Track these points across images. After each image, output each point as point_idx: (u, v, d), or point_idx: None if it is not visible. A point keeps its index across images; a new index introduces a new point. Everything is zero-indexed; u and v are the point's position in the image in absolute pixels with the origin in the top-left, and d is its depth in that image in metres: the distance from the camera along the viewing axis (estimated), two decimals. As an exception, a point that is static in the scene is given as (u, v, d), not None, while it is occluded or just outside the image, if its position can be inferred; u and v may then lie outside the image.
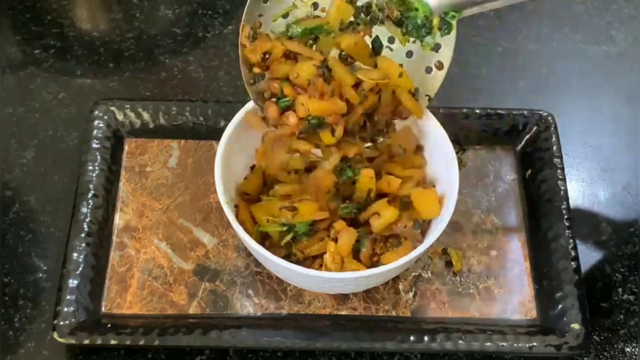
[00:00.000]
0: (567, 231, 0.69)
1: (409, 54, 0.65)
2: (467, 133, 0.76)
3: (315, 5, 0.64)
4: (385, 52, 0.64)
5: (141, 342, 0.63)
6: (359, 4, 0.63)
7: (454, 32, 0.63)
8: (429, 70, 0.65)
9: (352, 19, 0.63)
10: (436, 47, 0.64)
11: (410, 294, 0.68)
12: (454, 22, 0.62)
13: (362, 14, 0.63)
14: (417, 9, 0.62)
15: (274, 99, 0.63)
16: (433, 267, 0.69)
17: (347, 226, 0.63)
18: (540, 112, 0.76)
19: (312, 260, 0.64)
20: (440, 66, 0.65)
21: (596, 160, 0.78)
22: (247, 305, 0.66)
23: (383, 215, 0.63)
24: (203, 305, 0.66)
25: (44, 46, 0.84)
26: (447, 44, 0.64)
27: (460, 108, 0.77)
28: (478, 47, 0.87)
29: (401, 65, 0.64)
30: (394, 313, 0.67)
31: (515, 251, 0.70)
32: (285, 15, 0.64)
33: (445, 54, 0.64)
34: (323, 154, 0.64)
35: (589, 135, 0.80)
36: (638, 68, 0.85)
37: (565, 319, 0.65)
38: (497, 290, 0.68)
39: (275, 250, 0.63)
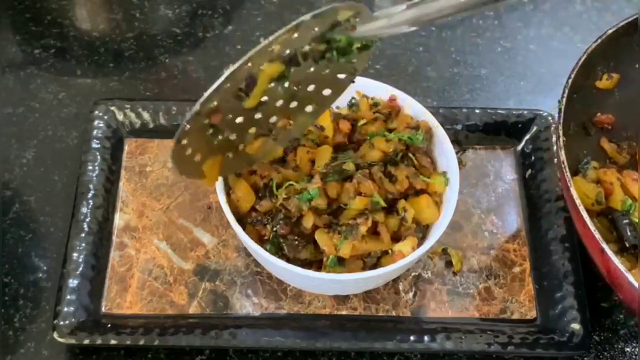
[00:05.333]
0: (567, 231, 0.69)
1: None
2: (467, 133, 0.76)
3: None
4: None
5: (141, 342, 0.63)
6: (285, 57, 0.59)
7: (371, 49, 0.61)
8: (339, 76, 0.63)
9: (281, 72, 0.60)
10: (351, 59, 0.62)
11: (410, 294, 0.68)
12: (372, 45, 0.60)
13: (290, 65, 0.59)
14: (340, 40, 0.60)
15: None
16: (433, 267, 0.69)
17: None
18: (540, 112, 0.76)
19: (311, 263, 0.64)
20: (354, 72, 0.63)
21: (596, 160, 0.78)
22: (247, 305, 0.66)
23: (389, 225, 0.63)
24: (203, 305, 0.66)
25: (44, 46, 0.84)
26: (363, 58, 0.61)
27: (460, 108, 0.77)
28: (478, 47, 0.87)
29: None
30: (394, 313, 0.67)
31: (515, 251, 0.70)
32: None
33: (360, 64, 0.62)
34: None
35: (589, 135, 0.80)
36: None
37: (565, 319, 0.65)
38: (497, 290, 0.68)
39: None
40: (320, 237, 0.61)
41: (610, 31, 0.67)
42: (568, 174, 0.60)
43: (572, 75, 0.65)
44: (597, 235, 0.57)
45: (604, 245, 0.57)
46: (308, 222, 0.61)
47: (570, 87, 0.64)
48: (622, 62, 0.70)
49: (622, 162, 0.71)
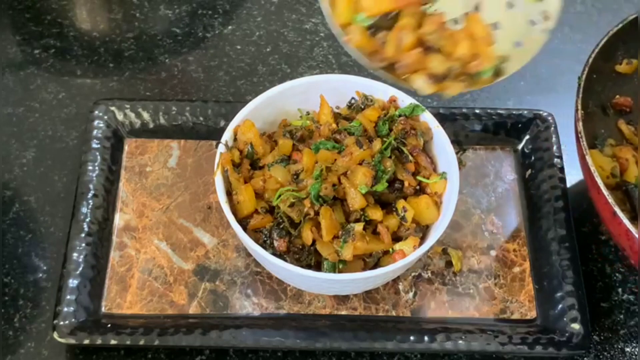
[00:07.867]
0: (567, 231, 0.69)
1: (509, 4, 0.60)
2: (467, 133, 0.76)
3: None
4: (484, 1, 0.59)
5: (141, 342, 0.63)
6: None
7: None
8: (532, 23, 0.61)
9: None
10: None
11: (410, 294, 0.68)
12: None
13: None
14: None
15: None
16: (433, 267, 0.69)
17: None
18: (540, 112, 0.76)
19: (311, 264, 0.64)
20: (546, 17, 0.60)
21: (596, 160, 0.78)
22: (247, 305, 0.66)
23: (389, 225, 0.63)
24: (203, 305, 0.66)
25: (44, 46, 0.84)
26: None
27: (460, 108, 0.77)
28: (478, 47, 0.86)
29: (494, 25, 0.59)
30: (394, 313, 0.67)
31: (515, 251, 0.70)
32: None
33: (553, 3, 0.60)
34: None
35: (589, 135, 0.80)
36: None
37: (565, 319, 0.65)
38: (497, 290, 0.68)
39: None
40: (322, 248, 0.61)
41: (631, 17, 0.69)
42: (584, 143, 0.62)
43: (593, 55, 0.67)
44: (610, 200, 0.59)
45: (616, 209, 0.58)
46: (307, 238, 0.61)
47: (590, 67, 0.66)
48: None
49: None
